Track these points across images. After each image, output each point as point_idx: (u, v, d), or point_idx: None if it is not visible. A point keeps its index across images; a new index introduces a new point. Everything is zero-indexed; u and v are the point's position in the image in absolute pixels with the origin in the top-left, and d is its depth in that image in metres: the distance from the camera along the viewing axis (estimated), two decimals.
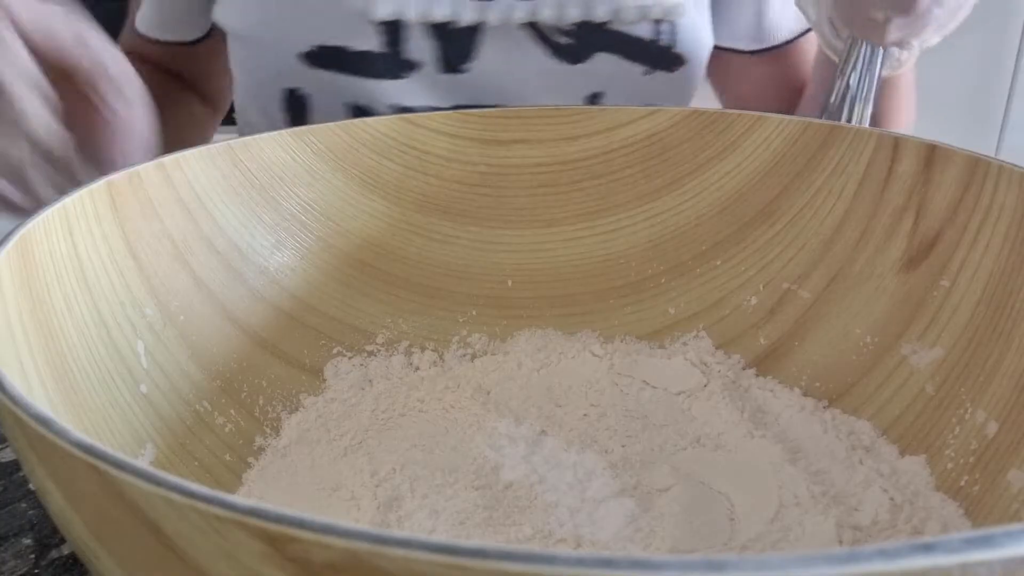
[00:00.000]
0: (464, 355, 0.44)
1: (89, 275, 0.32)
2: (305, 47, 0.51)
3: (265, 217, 0.41)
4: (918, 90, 0.60)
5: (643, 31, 0.54)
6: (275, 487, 0.35)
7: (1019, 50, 1.37)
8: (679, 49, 0.56)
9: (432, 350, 0.44)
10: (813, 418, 0.38)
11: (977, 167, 0.35)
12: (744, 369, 0.41)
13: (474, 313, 0.45)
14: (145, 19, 0.65)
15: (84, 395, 0.29)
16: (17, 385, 0.20)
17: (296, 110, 0.55)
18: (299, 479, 0.36)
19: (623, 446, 0.37)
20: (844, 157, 0.40)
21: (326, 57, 0.51)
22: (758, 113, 0.43)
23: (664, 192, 0.44)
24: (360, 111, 0.53)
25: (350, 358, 0.42)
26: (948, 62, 1.30)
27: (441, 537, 0.13)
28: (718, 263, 0.43)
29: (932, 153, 0.37)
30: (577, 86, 0.53)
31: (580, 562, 0.13)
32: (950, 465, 0.33)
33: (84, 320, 0.31)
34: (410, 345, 0.44)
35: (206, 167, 0.38)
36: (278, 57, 0.52)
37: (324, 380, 0.41)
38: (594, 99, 0.55)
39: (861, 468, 0.34)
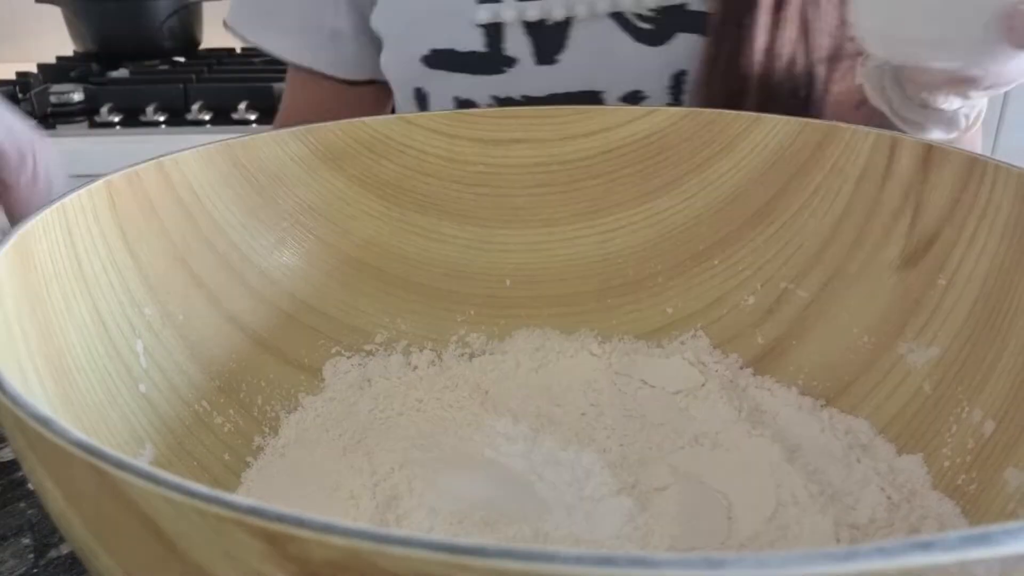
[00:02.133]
0: (462, 354, 0.44)
1: (88, 274, 0.32)
2: (425, 51, 0.58)
3: (264, 217, 0.41)
4: None
5: None
6: (274, 486, 0.35)
7: None
8: None
9: (430, 349, 0.44)
10: (811, 417, 0.38)
11: (974, 166, 0.35)
12: (742, 368, 0.41)
13: (472, 312, 0.45)
14: (316, 56, 0.67)
15: (83, 394, 0.29)
16: (16, 384, 0.20)
17: (420, 105, 0.62)
18: (298, 478, 0.36)
19: (621, 445, 0.37)
20: (841, 157, 0.40)
21: (440, 59, 0.58)
22: (755, 113, 0.43)
23: (662, 192, 0.44)
24: (465, 103, 0.59)
25: (349, 358, 0.42)
26: None
27: (440, 535, 0.13)
28: (716, 263, 0.43)
29: (929, 153, 0.37)
30: (661, 67, 0.56)
31: (579, 560, 0.13)
32: (947, 463, 0.33)
33: (83, 319, 0.31)
34: (408, 344, 0.44)
35: (205, 167, 0.38)
36: (408, 60, 0.59)
37: (323, 380, 0.41)
38: (679, 77, 0.56)
39: (859, 467, 0.34)
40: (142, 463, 0.15)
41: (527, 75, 0.57)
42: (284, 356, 0.40)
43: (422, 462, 0.36)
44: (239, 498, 0.14)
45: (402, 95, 0.63)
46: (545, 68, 0.56)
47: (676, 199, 0.44)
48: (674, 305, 0.44)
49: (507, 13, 0.55)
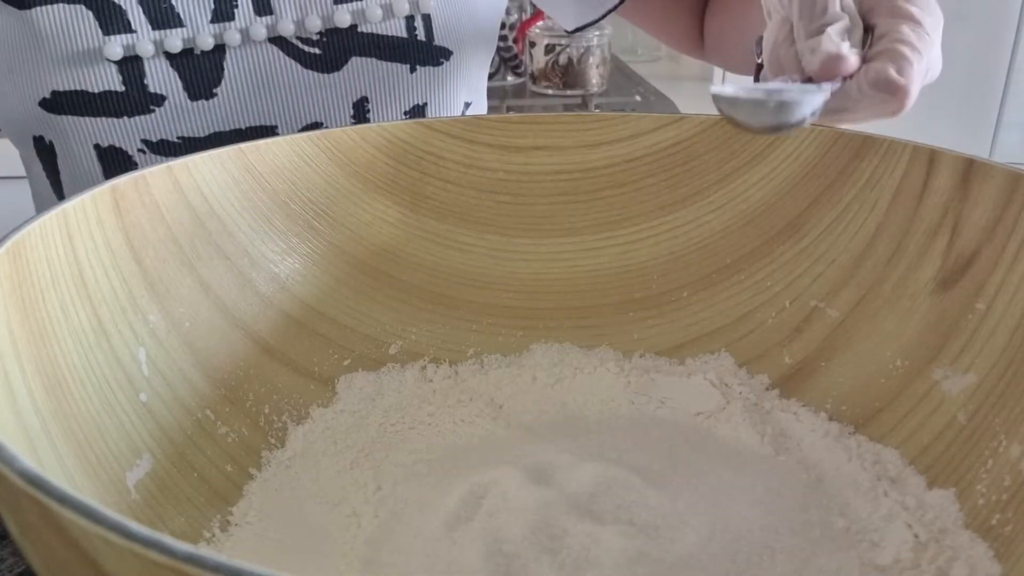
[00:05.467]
0: (478, 367, 0.43)
1: (89, 281, 0.31)
2: (44, 93, 0.49)
3: (276, 222, 0.40)
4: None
5: (395, 29, 0.53)
6: (275, 500, 0.34)
7: (1014, 48, 1.32)
8: (440, 42, 0.54)
9: (446, 363, 0.42)
10: (838, 444, 0.36)
11: (1018, 184, 0.33)
12: (767, 390, 0.40)
13: (490, 323, 0.44)
14: None
15: (78, 404, 0.29)
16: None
17: (46, 157, 0.54)
18: (301, 492, 0.35)
19: (637, 467, 0.36)
20: (877, 170, 0.38)
21: (66, 102, 0.50)
22: None
23: (688, 203, 0.43)
24: (114, 151, 0.52)
25: (362, 369, 0.41)
26: (942, 59, 1.25)
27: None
28: (743, 278, 0.42)
29: (970, 168, 0.35)
30: (338, 94, 0.53)
31: None
32: (981, 501, 0.31)
33: (81, 327, 0.30)
34: (423, 356, 0.42)
35: (216, 171, 0.38)
36: (19, 105, 0.51)
37: (335, 391, 0.40)
38: (361, 104, 0.53)
39: (885, 500, 0.32)
40: (85, 498, 0.15)
41: (182, 112, 0.51)
42: (295, 365, 0.40)
43: (428, 477, 0.35)
44: (176, 543, 0.13)
45: (21, 147, 0.55)
46: (202, 103, 0.51)
47: (702, 210, 0.42)
48: (698, 321, 0.42)
49: (144, 46, 0.48)
